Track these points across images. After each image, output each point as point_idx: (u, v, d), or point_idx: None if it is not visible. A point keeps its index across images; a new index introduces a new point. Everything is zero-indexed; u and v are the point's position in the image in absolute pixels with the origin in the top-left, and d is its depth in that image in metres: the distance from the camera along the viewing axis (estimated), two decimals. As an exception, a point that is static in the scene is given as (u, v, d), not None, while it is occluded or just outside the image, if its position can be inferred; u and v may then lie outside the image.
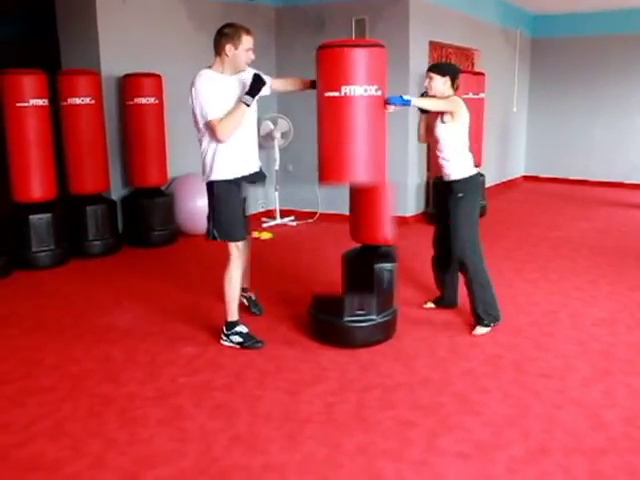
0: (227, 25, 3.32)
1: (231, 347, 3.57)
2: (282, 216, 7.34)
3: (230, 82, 3.36)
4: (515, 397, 2.99)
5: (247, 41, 3.29)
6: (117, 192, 6.02)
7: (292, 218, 7.37)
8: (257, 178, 3.66)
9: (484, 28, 8.05)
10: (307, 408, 2.90)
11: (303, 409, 2.90)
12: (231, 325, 3.60)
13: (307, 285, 4.67)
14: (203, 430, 2.71)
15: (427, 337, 3.72)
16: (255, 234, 6.57)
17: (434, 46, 6.94)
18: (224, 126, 3.25)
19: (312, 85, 3.52)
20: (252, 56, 3.37)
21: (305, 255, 5.88)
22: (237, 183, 3.48)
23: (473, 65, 7.92)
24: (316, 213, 7.38)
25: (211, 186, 3.47)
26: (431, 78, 3.63)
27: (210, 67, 3.37)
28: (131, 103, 5.68)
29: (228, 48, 3.26)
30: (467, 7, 7.53)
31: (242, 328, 3.61)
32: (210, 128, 3.29)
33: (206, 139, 3.39)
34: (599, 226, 6.95)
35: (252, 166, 3.58)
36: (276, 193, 7.28)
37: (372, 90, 3.22)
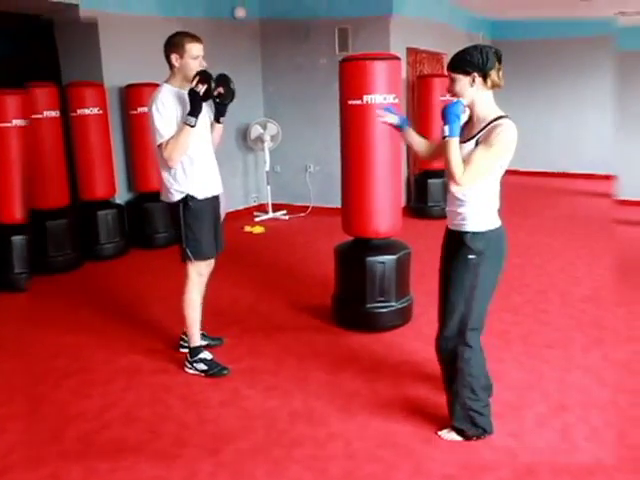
0: (173, 34, 3.09)
1: (197, 375, 3.34)
2: (274, 210, 7.45)
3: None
4: (528, 364, 3.40)
5: (194, 48, 3.03)
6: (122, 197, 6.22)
7: (284, 212, 7.49)
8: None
9: (452, 34, 8.55)
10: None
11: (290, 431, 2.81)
12: (195, 351, 3.38)
13: (299, 279, 4.76)
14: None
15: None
16: (247, 228, 6.79)
17: (410, 52, 7.40)
18: (169, 151, 3.01)
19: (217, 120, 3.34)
20: (204, 63, 3.09)
21: (297, 248, 6.01)
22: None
23: (442, 67, 8.41)
24: (308, 207, 7.53)
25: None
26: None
27: (167, 81, 3.15)
28: (134, 112, 5.88)
29: (174, 58, 3.05)
30: (439, 17, 8.07)
31: (206, 355, 3.38)
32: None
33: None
34: (566, 213, 7.52)
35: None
36: (268, 187, 7.40)
37: (390, 99, 3.57)
